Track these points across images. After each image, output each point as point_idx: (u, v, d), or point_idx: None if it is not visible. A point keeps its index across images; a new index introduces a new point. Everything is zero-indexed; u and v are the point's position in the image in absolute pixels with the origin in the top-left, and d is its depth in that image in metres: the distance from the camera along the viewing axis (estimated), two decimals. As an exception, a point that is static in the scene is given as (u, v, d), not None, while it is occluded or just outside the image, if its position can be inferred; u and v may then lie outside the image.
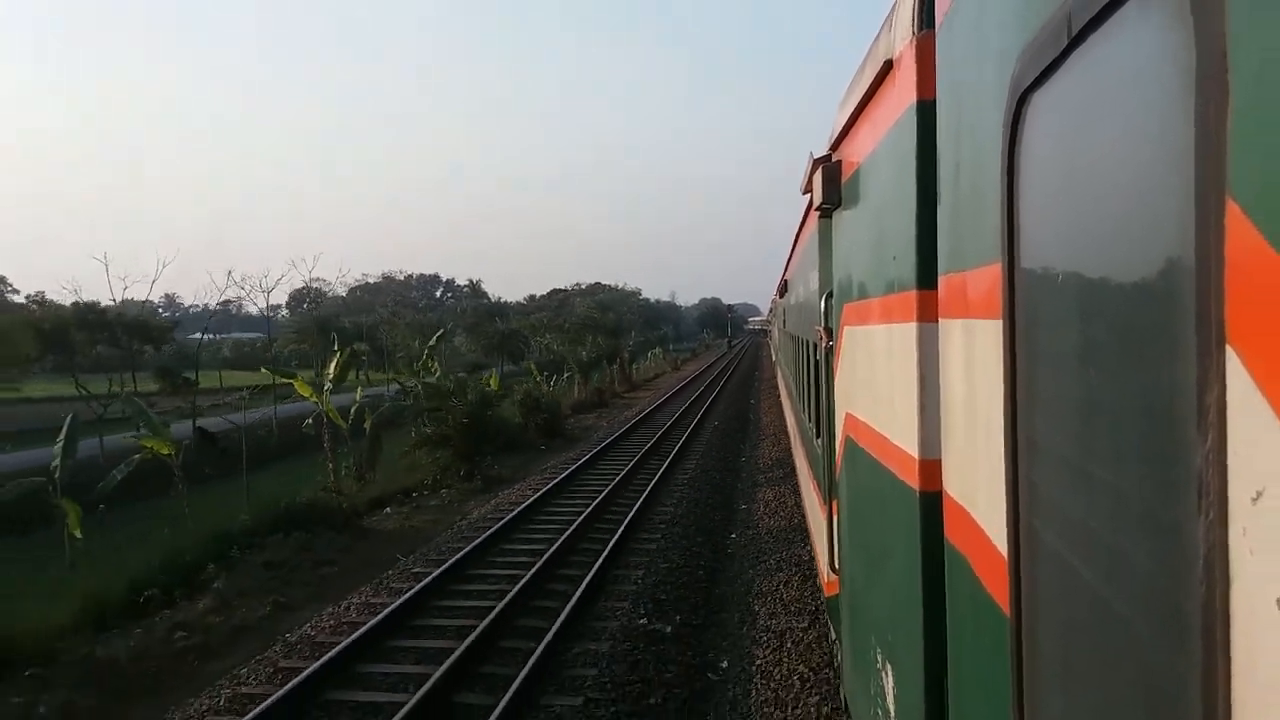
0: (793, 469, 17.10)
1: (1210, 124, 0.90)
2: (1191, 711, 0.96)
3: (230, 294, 70.64)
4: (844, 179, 4.36)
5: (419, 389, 25.60)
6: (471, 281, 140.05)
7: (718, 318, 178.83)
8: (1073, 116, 1.37)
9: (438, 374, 27.69)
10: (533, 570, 11.82)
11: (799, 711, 7.86)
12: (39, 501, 16.98)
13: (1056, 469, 1.52)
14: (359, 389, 24.76)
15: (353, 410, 23.89)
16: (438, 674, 8.40)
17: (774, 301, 27.93)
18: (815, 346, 7.09)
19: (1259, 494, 0.85)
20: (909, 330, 2.75)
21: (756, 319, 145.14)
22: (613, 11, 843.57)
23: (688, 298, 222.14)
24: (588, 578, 11.46)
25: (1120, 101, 1.18)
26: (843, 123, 4.18)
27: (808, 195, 5.88)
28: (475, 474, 21.20)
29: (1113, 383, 1.26)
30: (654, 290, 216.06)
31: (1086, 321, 1.35)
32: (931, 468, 2.57)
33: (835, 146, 4.58)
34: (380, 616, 10.22)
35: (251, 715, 7.75)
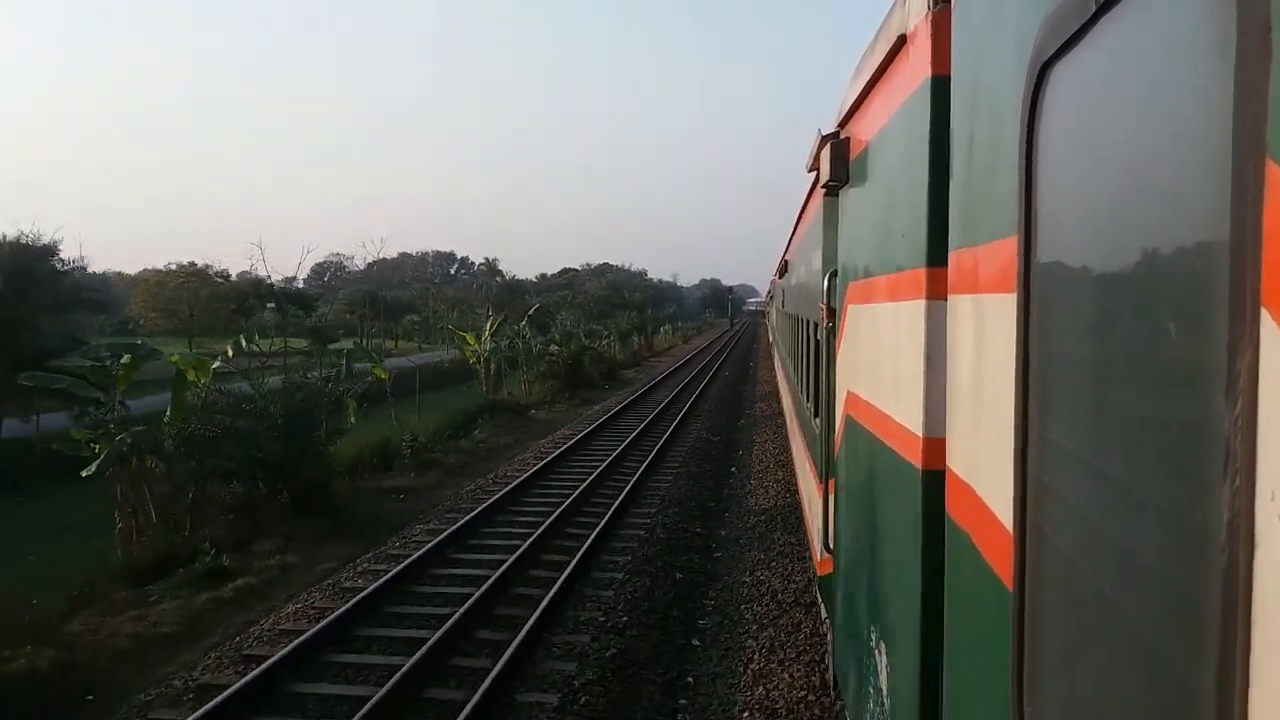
0: (777, 396, 26.19)
1: (1251, 87, 0.89)
2: (1208, 681, 0.95)
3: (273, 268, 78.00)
4: (852, 156, 4.33)
5: (530, 344, 39.13)
6: (488, 260, 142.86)
7: (718, 298, 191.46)
8: (1097, 86, 1.35)
9: (553, 336, 42.81)
10: (641, 427, 23.44)
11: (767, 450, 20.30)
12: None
13: (1068, 441, 1.50)
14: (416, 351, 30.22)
15: (485, 356, 35.24)
16: (618, 449, 19.78)
17: (773, 282, 28.39)
18: (816, 326, 7.08)
19: None
20: (917, 308, 2.73)
21: (755, 300, 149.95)
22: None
23: (688, 278, 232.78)
24: (671, 427, 23.31)
25: (1150, 69, 1.17)
26: (852, 99, 4.15)
27: (813, 173, 5.98)
28: (574, 396, 33.76)
29: (1135, 352, 1.25)
30: (656, 270, 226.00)
31: (1108, 291, 1.34)
32: (935, 445, 2.55)
33: (844, 123, 4.54)
34: (573, 441, 21.52)
35: (540, 465, 18.18)
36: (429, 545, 12.28)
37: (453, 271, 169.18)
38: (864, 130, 3.99)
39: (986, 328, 2.01)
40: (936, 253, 2.54)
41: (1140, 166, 1.22)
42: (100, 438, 13.78)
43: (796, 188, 10.16)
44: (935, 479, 2.53)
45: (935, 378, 2.58)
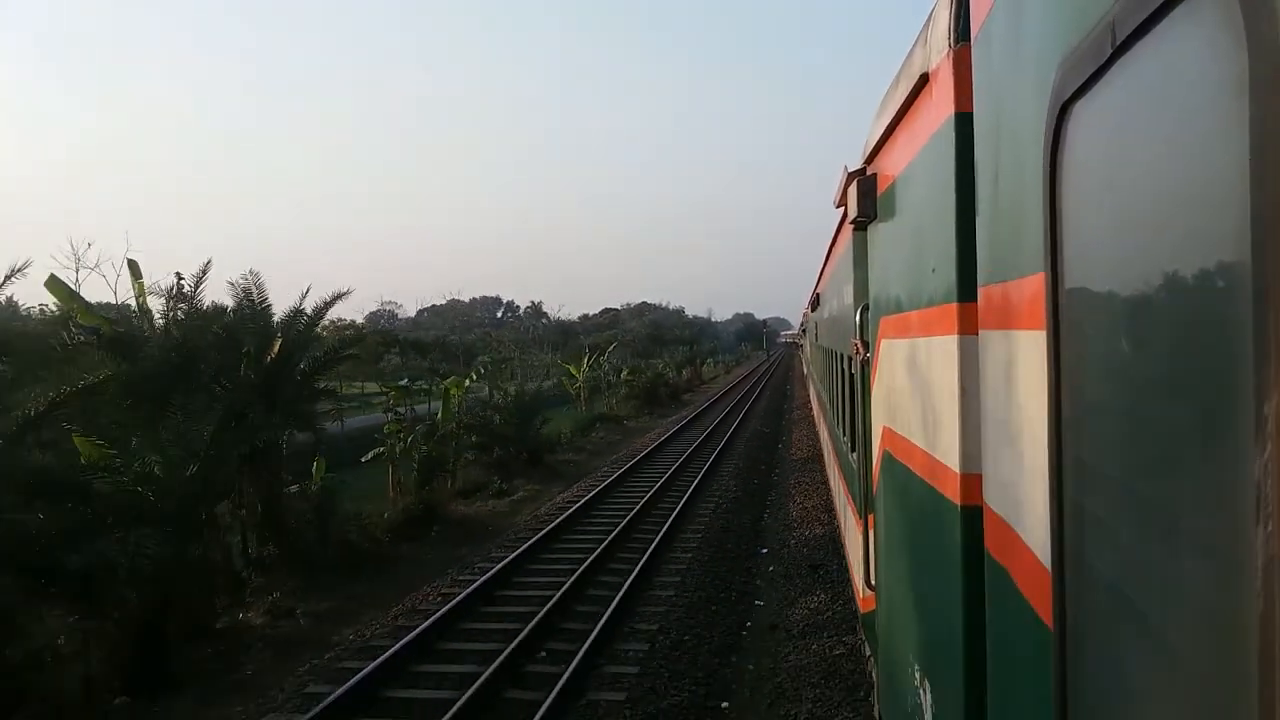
0: (808, 408, 33.58)
1: (1267, 126, 0.90)
2: None
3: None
4: (879, 192, 4.36)
5: (611, 375, 51.82)
6: (534, 303, 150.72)
7: (753, 332, 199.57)
8: (1117, 125, 1.37)
9: (629, 366, 56.23)
10: (713, 426, 33.15)
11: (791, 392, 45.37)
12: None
13: (1102, 479, 1.50)
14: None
15: (580, 384, 45.44)
16: (701, 438, 29.13)
17: (805, 315, 28.86)
18: (850, 360, 7.08)
19: None
20: (950, 343, 2.72)
21: (788, 333, 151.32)
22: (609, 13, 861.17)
23: (722, 312, 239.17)
24: (735, 423, 33.98)
25: (1168, 108, 1.18)
26: (877, 136, 4.18)
27: (841, 209, 6.09)
28: (652, 412, 44.21)
29: (1162, 392, 1.25)
30: (691, 306, 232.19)
31: (1134, 330, 1.34)
32: (972, 481, 2.53)
33: (870, 160, 4.58)
34: (666, 436, 31.03)
35: (651, 448, 27.59)
36: (608, 482, 21.37)
37: (499, 315, 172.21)
38: (890, 166, 4.02)
39: (1018, 363, 2.00)
40: (967, 288, 2.54)
41: (1161, 205, 1.22)
42: (401, 432, 21.64)
43: (827, 220, 10.46)
44: (973, 515, 2.50)
45: (970, 413, 2.57)
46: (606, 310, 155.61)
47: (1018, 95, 1.94)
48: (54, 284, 14.11)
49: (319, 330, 17.84)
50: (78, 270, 15.94)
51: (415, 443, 21.09)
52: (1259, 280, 0.92)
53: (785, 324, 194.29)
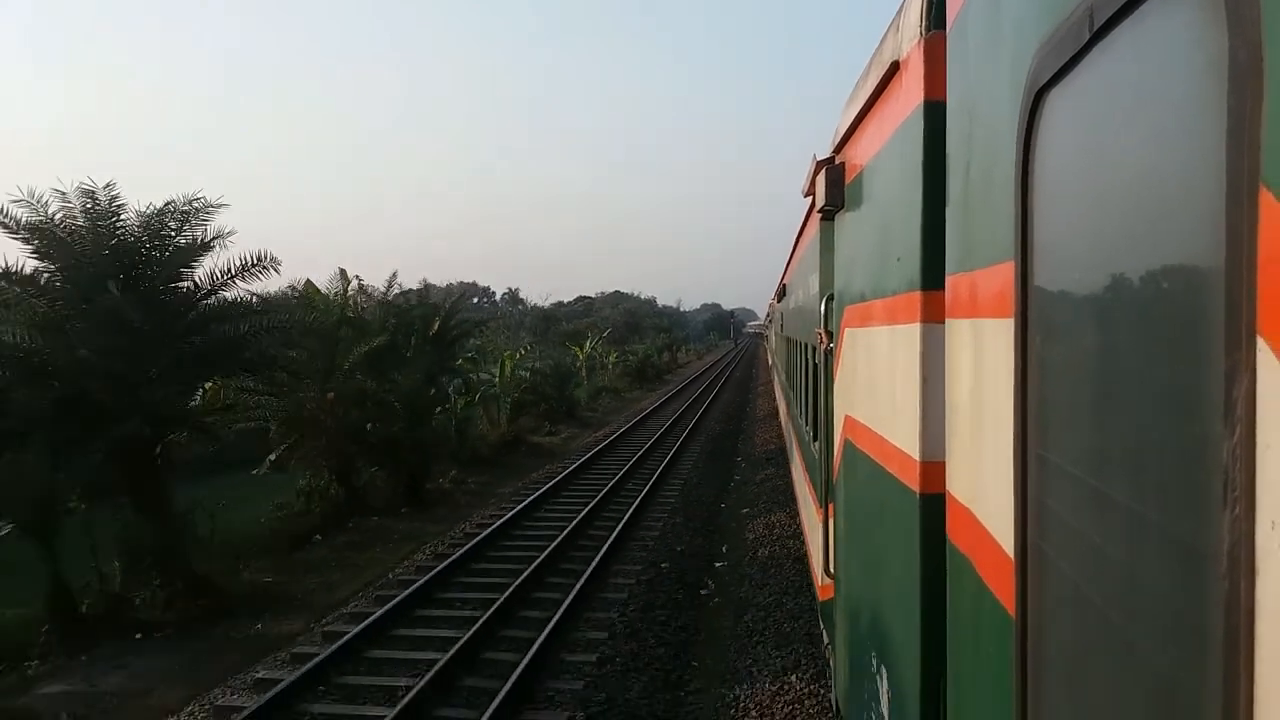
0: (770, 388, 37.46)
1: (1243, 113, 0.89)
2: (1212, 713, 0.94)
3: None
4: (848, 181, 4.34)
5: (607, 356, 59.06)
6: (510, 290, 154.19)
7: (720, 322, 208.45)
8: (1093, 112, 1.36)
9: (612, 353, 62.48)
10: (696, 394, 42.83)
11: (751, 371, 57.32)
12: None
13: (1069, 466, 1.50)
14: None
15: (582, 362, 51.37)
16: (689, 401, 39.14)
17: (771, 305, 29.14)
18: (814, 349, 7.09)
19: None
20: (913, 331, 2.72)
21: (754, 323, 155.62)
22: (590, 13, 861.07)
23: (690, 303, 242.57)
24: (712, 395, 42.08)
25: (1145, 95, 1.17)
26: (847, 125, 4.16)
27: (809, 198, 6.14)
28: (643, 386, 53.16)
29: (1132, 378, 1.24)
30: (661, 296, 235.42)
31: (1105, 317, 1.34)
32: (933, 470, 2.54)
33: (839, 149, 4.56)
34: (660, 401, 40.33)
35: (652, 408, 37.03)
36: (628, 426, 30.07)
37: (475, 301, 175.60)
38: (859, 155, 4.00)
39: (985, 352, 2.00)
40: (932, 276, 2.53)
41: (1136, 192, 1.22)
42: (472, 391, 28.28)
43: (795, 211, 10.53)
44: (934, 503, 2.51)
45: (932, 401, 2.57)
46: (581, 298, 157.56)
47: (993, 82, 1.92)
48: (310, 286, 20.56)
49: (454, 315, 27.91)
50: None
51: (503, 394, 30.53)
52: (1232, 266, 0.91)
53: (752, 315, 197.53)
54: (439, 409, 22.65)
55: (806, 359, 9.48)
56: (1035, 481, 1.64)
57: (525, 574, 11.86)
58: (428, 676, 8.57)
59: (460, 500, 19.55)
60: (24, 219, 12.26)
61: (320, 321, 17.80)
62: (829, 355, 5.28)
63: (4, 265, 12.21)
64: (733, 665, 9.31)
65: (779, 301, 19.38)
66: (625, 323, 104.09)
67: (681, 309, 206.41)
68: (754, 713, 8.08)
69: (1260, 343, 0.88)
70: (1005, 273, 1.78)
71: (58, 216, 12.55)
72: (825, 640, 7.34)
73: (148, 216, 13.16)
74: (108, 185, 12.84)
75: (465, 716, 8.11)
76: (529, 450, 26.63)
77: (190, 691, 9.36)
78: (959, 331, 2.29)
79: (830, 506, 5.40)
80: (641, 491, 17.72)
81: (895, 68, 3.05)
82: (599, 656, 9.52)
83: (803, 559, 12.02)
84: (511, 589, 11.23)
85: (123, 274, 12.68)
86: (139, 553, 12.13)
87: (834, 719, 6.08)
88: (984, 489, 2.01)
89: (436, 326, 24.91)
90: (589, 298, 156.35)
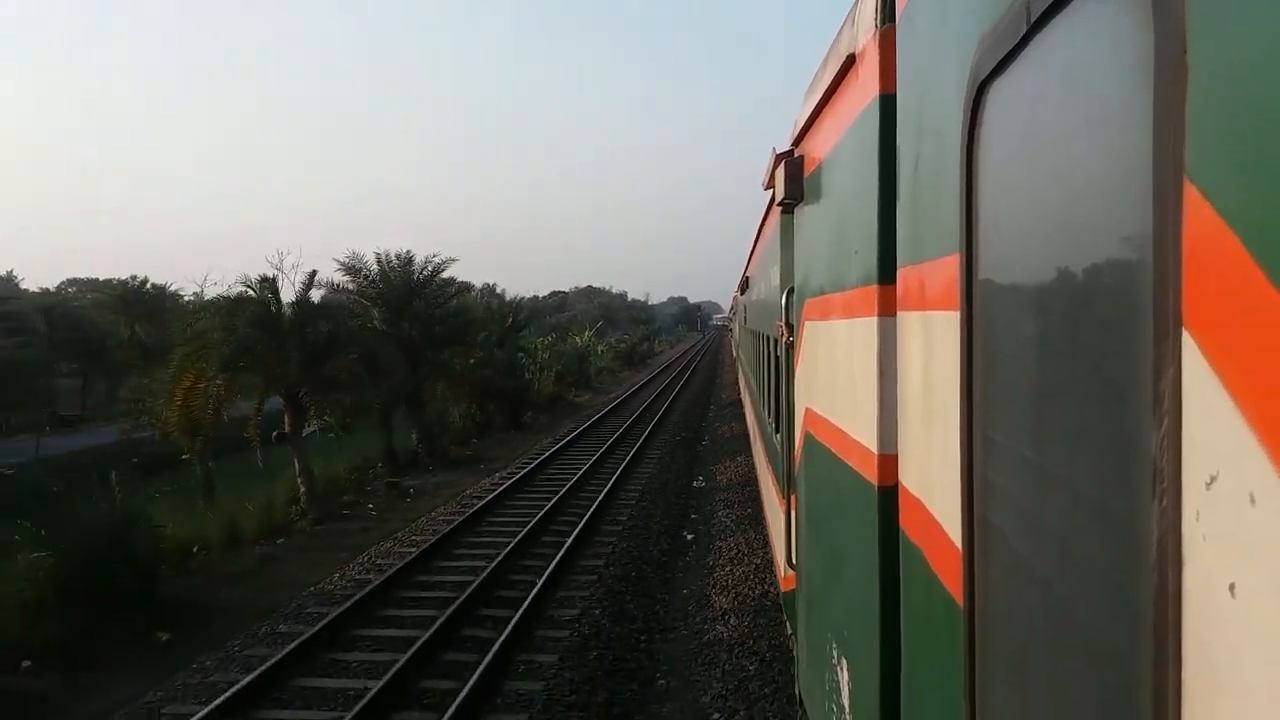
0: (735, 371, 41.53)
1: (1169, 106, 0.90)
2: (1143, 699, 0.95)
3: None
4: (806, 174, 4.35)
5: (596, 345, 66.21)
6: (488, 285, 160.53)
7: (688, 315, 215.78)
8: (1031, 104, 1.37)
9: (608, 341, 74.99)
10: (676, 373, 56.37)
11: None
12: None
13: (1011, 458, 1.51)
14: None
15: (586, 345, 59.89)
16: (673, 376, 53.13)
17: (735, 298, 29.32)
18: (776, 342, 7.14)
19: (1213, 479, 0.84)
20: (870, 325, 2.73)
21: (720, 316, 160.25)
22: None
23: (658, 296, 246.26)
24: (691, 369, 60.42)
25: (1078, 88, 1.18)
26: (805, 118, 4.17)
27: (770, 191, 5.99)
28: (631, 367, 66.57)
29: (1069, 370, 1.26)
30: (631, 290, 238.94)
31: (1044, 309, 1.35)
32: (890, 463, 2.55)
33: (798, 142, 4.57)
34: (650, 377, 55.03)
35: (644, 380, 51.58)
36: (634, 389, 44.98)
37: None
38: (817, 148, 4.01)
39: (934, 344, 2.01)
40: (887, 270, 2.54)
41: (1070, 186, 1.23)
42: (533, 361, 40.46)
43: (758, 204, 10.54)
44: (889, 495, 2.52)
45: (888, 394, 2.57)
46: (555, 292, 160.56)
47: (939, 76, 1.93)
48: (470, 296, 33.20)
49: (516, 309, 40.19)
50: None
51: (548, 365, 41.28)
52: (1159, 259, 0.92)
53: (717, 308, 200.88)
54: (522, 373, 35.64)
55: (769, 351, 9.57)
56: (980, 473, 1.65)
57: (608, 444, 24.31)
58: (581, 471, 20.00)
59: (540, 427, 31.74)
60: (361, 269, 25.36)
61: (475, 317, 31.16)
62: (789, 348, 5.29)
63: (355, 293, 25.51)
64: (717, 438, 26.82)
65: (742, 294, 19.45)
66: (601, 316, 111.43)
67: (649, 303, 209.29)
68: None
69: (1185, 335, 0.88)
70: (951, 265, 1.79)
71: (374, 268, 25.57)
72: (789, 630, 7.46)
73: (420, 266, 26.58)
74: (407, 252, 26.55)
75: (602, 476, 19.69)
76: (567, 404, 39.98)
77: (475, 479, 21.16)
78: (910, 324, 2.30)
79: (792, 498, 5.41)
80: (656, 415, 31.31)
81: (851, 61, 3.04)
82: (660, 455, 23.42)
83: (742, 438, 21.67)
84: (604, 448, 23.52)
85: (413, 296, 25.98)
86: (423, 433, 25.48)
87: (797, 710, 6.19)
88: (934, 479, 2.03)
89: (511, 320, 37.35)
90: (563, 292, 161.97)
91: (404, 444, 24.55)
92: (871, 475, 2.73)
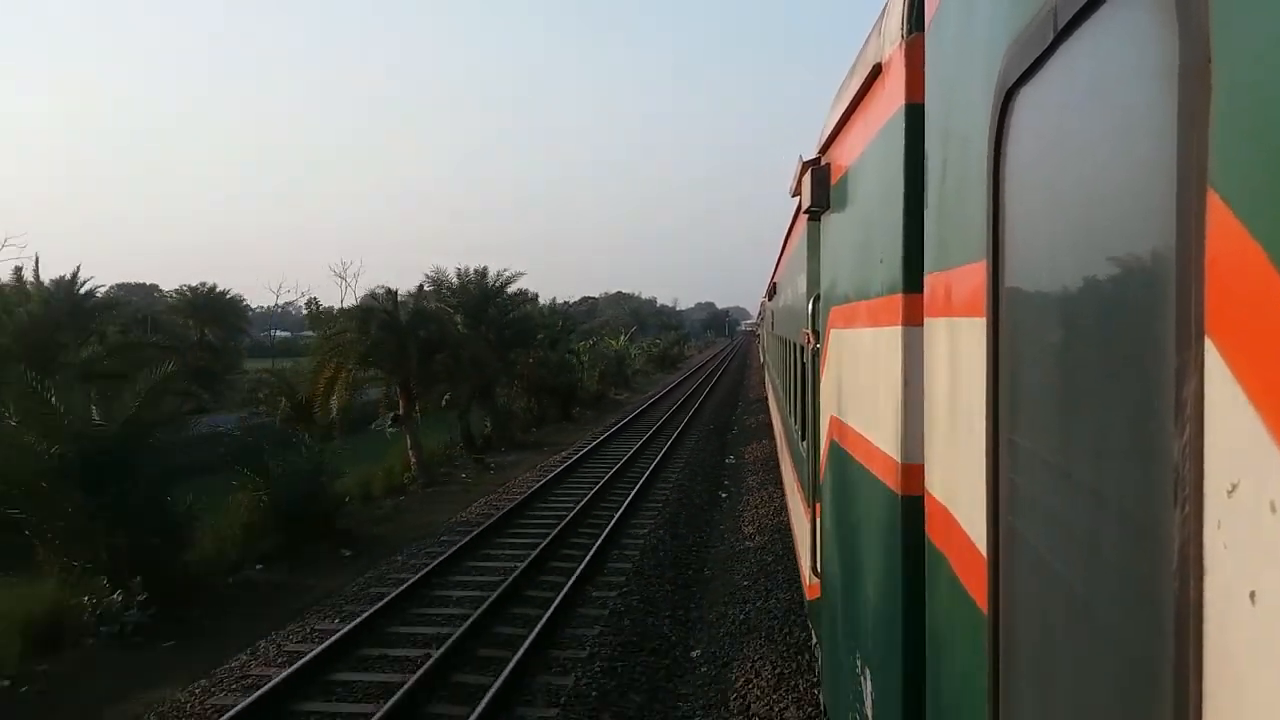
0: (761, 374, 41.17)
1: (1193, 115, 0.89)
2: (1165, 706, 0.95)
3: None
4: (833, 182, 4.36)
5: (628, 347, 69.45)
6: (522, 291, 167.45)
7: (716, 320, 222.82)
8: (1057, 112, 1.37)
9: (642, 344, 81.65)
10: (706, 374, 61.81)
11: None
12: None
13: (1037, 465, 1.51)
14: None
15: (619, 349, 61.44)
16: (706, 376, 61.02)
17: (762, 304, 29.46)
18: (802, 350, 7.16)
19: (1234, 487, 0.84)
20: (894, 334, 2.72)
21: (748, 321, 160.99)
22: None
23: (686, 302, 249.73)
24: (720, 372, 66.27)
25: (1104, 95, 1.18)
26: (832, 126, 4.20)
27: (797, 198, 6.11)
28: (664, 370, 74.27)
29: (1093, 377, 1.26)
30: (660, 296, 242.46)
31: (1068, 316, 1.35)
32: (914, 472, 2.54)
33: (824, 150, 4.60)
34: (682, 379, 60.60)
35: (677, 381, 57.61)
36: (670, 388, 51.42)
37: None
38: (843, 156, 4.03)
39: (960, 352, 2.01)
40: (913, 278, 2.54)
41: (1096, 193, 1.22)
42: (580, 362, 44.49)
43: (786, 210, 10.54)
44: (914, 504, 2.51)
45: (913, 404, 2.57)
46: (586, 298, 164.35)
47: (966, 84, 1.95)
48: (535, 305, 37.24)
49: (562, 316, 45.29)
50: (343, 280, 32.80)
51: (592, 366, 45.29)
52: (1182, 264, 0.92)
53: (745, 313, 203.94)
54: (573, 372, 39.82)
55: (795, 358, 9.66)
56: (1006, 478, 1.65)
57: (651, 431, 28.73)
58: (632, 450, 24.10)
59: (588, 420, 35.91)
60: (444, 281, 30.77)
61: (536, 323, 35.47)
62: (815, 356, 5.35)
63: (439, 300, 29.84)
64: (744, 428, 30.97)
65: (769, 300, 19.68)
66: (631, 322, 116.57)
67: (677, 308, 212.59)
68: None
69: (1208, 342, 0.88)
70: (978, 272, 1.80)
71: (454, 281, 30.98)
72: (814, 640, 7.50)
73: (494, 278, 31.37)
74: (483, 266, 31.49)
75: (650, 454, 23.94)
76: (610, 401, 44.24)
77: (544, 457, 25.35)
78: (936, 332, 2.31)
79: (817, 506, 5.45)
80: (691, 410, 35.51)
81: (878, 70, 3.08)
82: (696, 440, 27.59)
83: (765, 429, 26.06)
84: (649, 434, 27.75)
85: (488, 304, 30.61)
86: (495, 420, 29.80)
87: (821, 719, 6.24)
88: (960, 487, 2.02)
89: (561, 324, 42.89)
90: (593, 298, 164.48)
91: (478, 430, 29.16)
92: (894, 484, 2.74)
